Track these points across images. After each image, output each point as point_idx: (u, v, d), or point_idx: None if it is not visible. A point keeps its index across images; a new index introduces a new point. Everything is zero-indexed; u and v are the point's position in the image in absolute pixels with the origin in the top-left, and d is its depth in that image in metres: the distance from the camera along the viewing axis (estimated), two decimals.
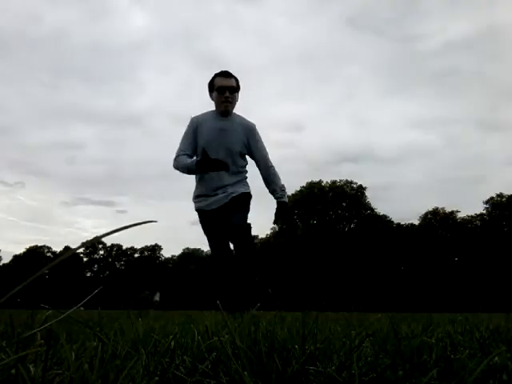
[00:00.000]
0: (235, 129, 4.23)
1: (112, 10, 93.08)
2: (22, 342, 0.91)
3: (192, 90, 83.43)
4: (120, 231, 0.41)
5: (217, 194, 4.19)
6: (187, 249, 74.63)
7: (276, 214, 4.24)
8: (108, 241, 72.57)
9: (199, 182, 4.28)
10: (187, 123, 4.36)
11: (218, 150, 4.14)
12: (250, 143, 4.28)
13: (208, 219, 4.19)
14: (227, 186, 4.21)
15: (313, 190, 56.73)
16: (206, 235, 4.24)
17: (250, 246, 4.07)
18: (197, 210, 4.30)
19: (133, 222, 0.42)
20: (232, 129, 4.24)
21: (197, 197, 4.29)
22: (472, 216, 54.82)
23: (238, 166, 4.29)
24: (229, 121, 4.26)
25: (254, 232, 4.29)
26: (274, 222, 4.27)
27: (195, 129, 4.25)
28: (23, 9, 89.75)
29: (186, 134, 4.27)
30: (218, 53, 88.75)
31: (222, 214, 4.13)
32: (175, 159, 4.18)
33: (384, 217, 56.91)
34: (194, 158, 4.18)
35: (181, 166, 4.11)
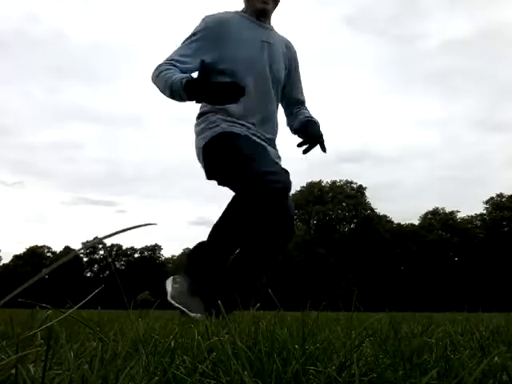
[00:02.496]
0: (278, 46, 2.58)
1: (113, 9, 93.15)
2: (22, 342, 0.91)
3: None
4: (121, 233, 0.41)
5: (263, 139, 2.49)
6: (187, 249, 74.69)
7: (307, 135, 2.49)
8: (108, 241, 72.64)
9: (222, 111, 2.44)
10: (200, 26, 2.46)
11: (261, 79, 2.46)
12: (290, 73, 2.65)
13: (252, 142, 2.38)
14: (272, 138, 2.59)
15: (313, 190, 56.72)
16: (241, 164, 2.28)
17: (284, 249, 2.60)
18: (225, 132, 2.39)
19: (133, 223, 0.42)
20: (277, 44, 2.57)
21: (222, 121, 2.43)
22: (472, 216, 54.86)
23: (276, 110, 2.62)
24: (271, 30, 2.59)
25: None
26: (305, 152, 2.53)
27: (216, 33, 2.41)
28: (23, 8, 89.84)
29: (193, 38, 2.43)
30: None
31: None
32: (157, 67, 2.37)
33: (384, 217, 56.94)
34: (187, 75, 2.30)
35: (162, 79, 2.28)
